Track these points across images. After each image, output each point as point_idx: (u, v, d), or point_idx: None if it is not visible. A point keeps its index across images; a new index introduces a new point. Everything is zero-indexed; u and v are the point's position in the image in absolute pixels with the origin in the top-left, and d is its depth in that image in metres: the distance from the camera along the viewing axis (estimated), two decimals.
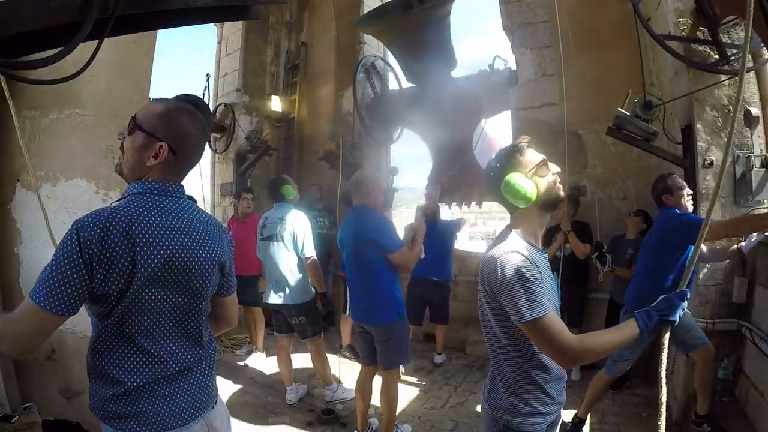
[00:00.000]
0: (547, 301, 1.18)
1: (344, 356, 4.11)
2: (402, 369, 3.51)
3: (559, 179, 1.32)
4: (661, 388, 1.14)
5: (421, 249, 2.68)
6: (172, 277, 1.08)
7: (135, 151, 1.10)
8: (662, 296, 1.20)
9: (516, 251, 1.20)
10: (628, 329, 1.17)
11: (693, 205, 2.59)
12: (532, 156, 1.31)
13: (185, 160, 1.15)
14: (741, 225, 2.36)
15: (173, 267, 1.08)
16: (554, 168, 1.32)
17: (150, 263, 1.03)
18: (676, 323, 1.17)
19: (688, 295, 1.19)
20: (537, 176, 1.28)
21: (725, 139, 2.76)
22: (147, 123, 1.09)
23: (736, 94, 1.07)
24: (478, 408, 3.26)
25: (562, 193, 1.33)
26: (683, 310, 1.18)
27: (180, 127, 1.11)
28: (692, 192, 2.59)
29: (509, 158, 1.32)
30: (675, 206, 2.53)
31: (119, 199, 1.11)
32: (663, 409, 1.13)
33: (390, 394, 2.72)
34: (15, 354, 1.00)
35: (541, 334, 1.16)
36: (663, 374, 1.16)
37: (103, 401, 1.07)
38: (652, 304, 1.19)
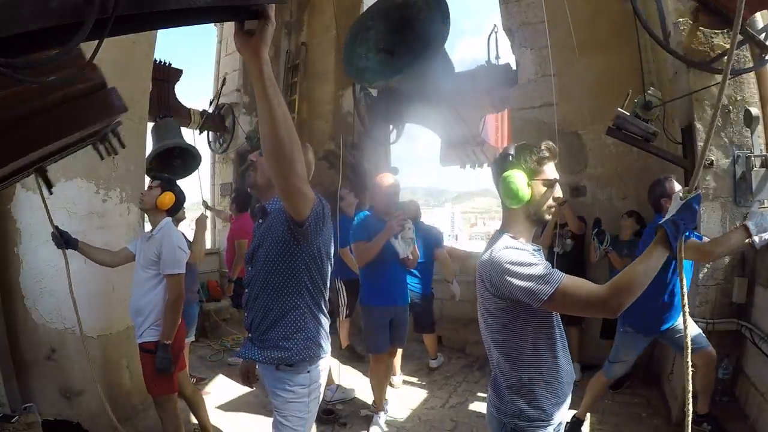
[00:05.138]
0: (556, 270, 1.16)
1: (344, 357, 4.11)
2: (396, 376, 3.67)
3: (554, 207, 1.32)
4: (687, 375, 1.04)
5: (371, 246, 2.70)
6: None
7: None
8: (681, 203, 1.08)
9: (509, 246, 1.22)
10: (656, 251, 1.07)
11: None
12: (548, 170, 1.30)
13: None
14: (715, 247, 2.16)
15: None
16: (558, 192, 1.31)
17: None
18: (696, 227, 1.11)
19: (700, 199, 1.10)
20: (537, 187, 1.27)
21: (726, 139, 2.76)
22: None
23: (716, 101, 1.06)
24: (478, 408, 3.27)
25: (548, 217, 1.33)
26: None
27: None
28: None
29: (526, 158, 1.29)
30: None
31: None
32: (689, 406, 1.08)
33: (371, 377, 3.03)
34: None
35: (571, 298, 1.12)
36: (687, 356, 1.04)
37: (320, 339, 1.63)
38: (674, 214, 1.08)
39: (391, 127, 5.18)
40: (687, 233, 1.09)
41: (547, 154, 1.30)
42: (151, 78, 3.37)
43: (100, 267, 2.61)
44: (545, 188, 1.29)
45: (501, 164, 1.31)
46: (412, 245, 2.80)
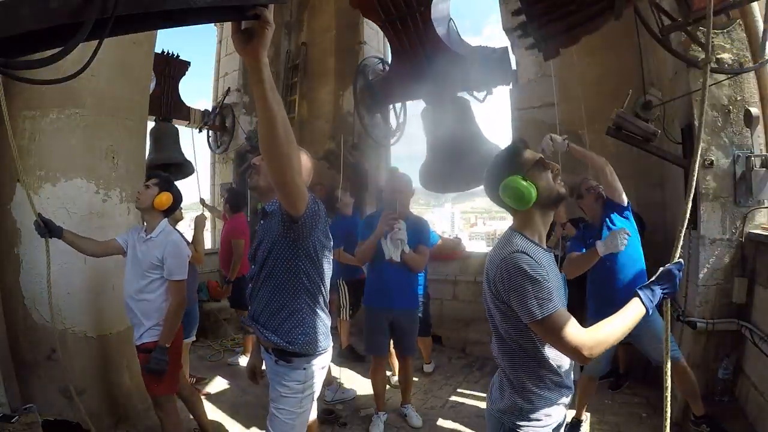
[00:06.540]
0: (556, 298, 1.17)
1: (344, 357, 4.11)
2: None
3: (558, 177, 1.32)
4: (666, 387, 1.12)
5: (364, 246, 2.74)
6: None
7: None
8: (661, 268, 1.17)
9: (521, 251, 1.20)
10: (633, 311, 1.15)
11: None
12: (528, 156, 1.31)
13: None
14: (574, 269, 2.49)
15: None
16: (553, 166, 1.32)
17: None
18: (677, 292, 1.18)
19: (683, 265, 1.18)
20: (534, 177, 1.28)
21: (726, 139, 2.76)
22: None
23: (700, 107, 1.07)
24: (478, 408, 3.27)
25: (563, 190, 1.32)
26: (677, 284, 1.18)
27: None
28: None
29: (506, 161, 1.32)
30: (586, 209, 2.75)
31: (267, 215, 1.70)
32: (668, 409, 1.12)
33: (370, 378, 3.06)
34: None
35: (553, 331, 1.14)
36: (667, 369, 1.13)
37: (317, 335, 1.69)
38: (652, 279, 1.17)
39: (392, 107, 4.88)
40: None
41: (519, 145, 1.34)
42: (154, 70, 3.36)
43: (101, 267, 2.61)
44: (541, 172, 1.29)
45: (492, 180, 1.33)
46: (402, 247, 2.65)
